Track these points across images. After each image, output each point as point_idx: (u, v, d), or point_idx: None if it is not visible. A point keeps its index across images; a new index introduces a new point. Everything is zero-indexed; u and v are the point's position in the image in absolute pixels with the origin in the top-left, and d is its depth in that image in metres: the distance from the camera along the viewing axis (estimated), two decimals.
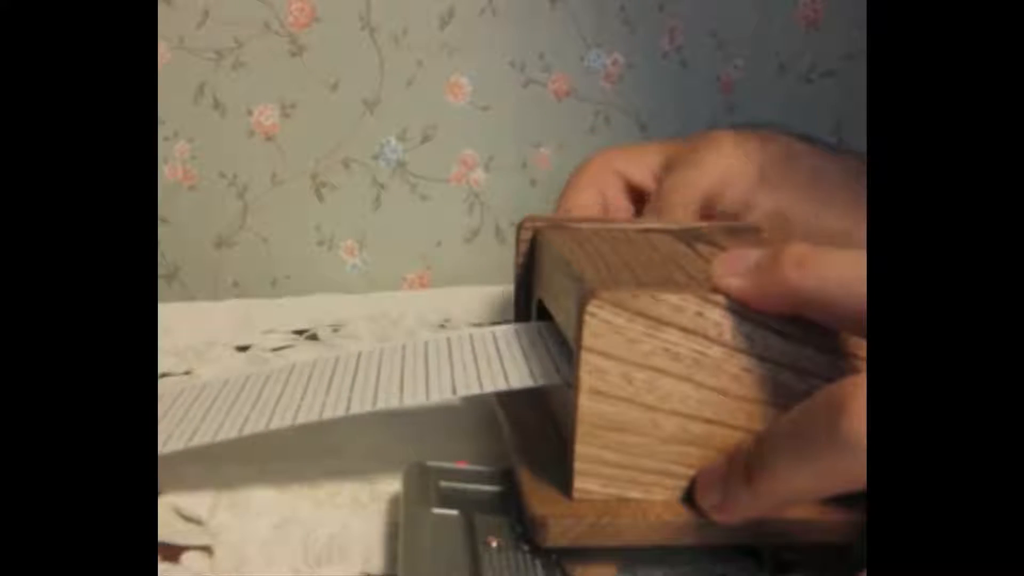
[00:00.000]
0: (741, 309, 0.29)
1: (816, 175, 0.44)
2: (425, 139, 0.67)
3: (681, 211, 0.43)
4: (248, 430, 0.34)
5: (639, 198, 0.46)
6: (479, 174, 0.68)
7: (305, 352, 0.50)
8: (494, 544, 0.29)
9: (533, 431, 0.34)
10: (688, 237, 0.37)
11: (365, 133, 0.66)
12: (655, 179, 0.45)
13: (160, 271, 0.68)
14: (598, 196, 0.45)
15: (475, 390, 0.33)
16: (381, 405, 0.33)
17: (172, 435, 0.35)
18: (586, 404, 0.29)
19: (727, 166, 0.43)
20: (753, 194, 0.43)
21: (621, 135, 0.69)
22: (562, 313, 0.34)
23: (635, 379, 0.28)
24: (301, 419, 0.33)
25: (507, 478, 0.33)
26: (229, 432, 0.34)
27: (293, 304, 0.57)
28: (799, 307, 0.28)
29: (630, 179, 0.45)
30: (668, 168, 0.45)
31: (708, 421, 0.29)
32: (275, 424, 0.33)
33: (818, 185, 0.43)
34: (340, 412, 0.33)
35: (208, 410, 0.36)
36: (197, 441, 0.34)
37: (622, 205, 0.46)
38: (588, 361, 0.28)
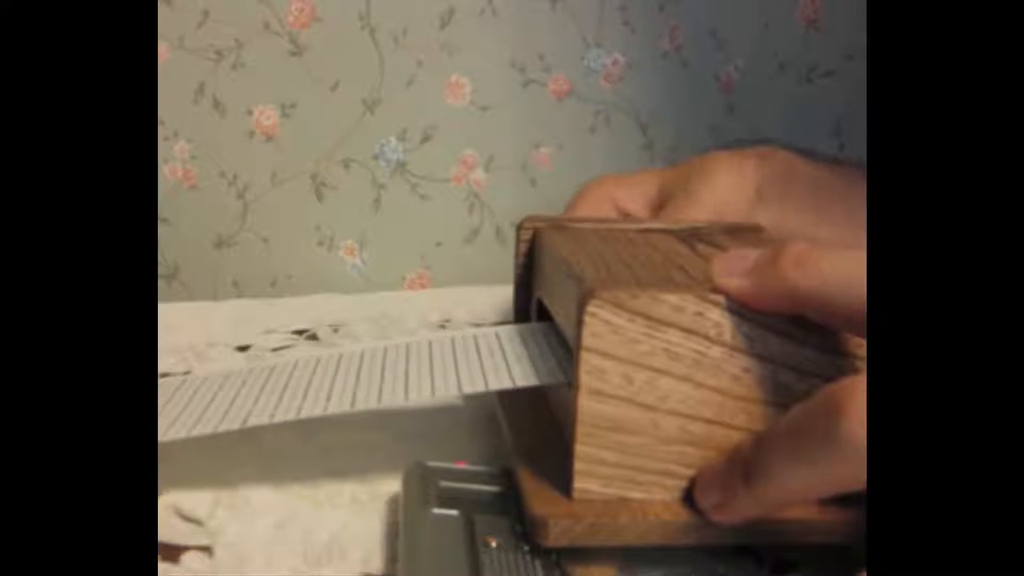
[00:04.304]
0: (741, 309, 0.29)
1: (814, 189, 0.44)
2: (425, 139, 0.67)
3: None
4: (252, 422, 0.34)
5: None
6: (479, 174, 0.68)
7: (305, 352, 0.50)
8: (494, 544, 0.29)
9: (533, 431, 0.34)
10: (688, 237, 0.37)
11: (365, 133, 0.66)
12: (649, 207, 0.46)
13: (160, 271, 0.68)
14: None
15: (480, 388, 0.33)
16: (386, 402, 0.33)
17: (176, 422, 0.35)
18: (586, 404, 0.29)
19: (721, 194, 0.44)
20: (750, 214, 0.44)
21: (621, 135, 0.69)
22: (562, 313, 0.34)
23: (635, 379, 0.28)
24: (305, 413, 0.33)
25: (507, 478, 0.33)
26: (231, 424, 0.34)
27: (293, 304, 0.57)
28: (799, 306, 0.28)
29: (624, 208, 0.47)
30: (662, 198, 0.46)
31: (708, 421, 0.29)
32: (279, 417, 0.33)
33: (816, 198, 0.44)
34: (345, 407, 0.33)
35: (210, 403, 0.36)
36: (199, 431, 0.34)
37: None
38: (588, 361, 0.28)
